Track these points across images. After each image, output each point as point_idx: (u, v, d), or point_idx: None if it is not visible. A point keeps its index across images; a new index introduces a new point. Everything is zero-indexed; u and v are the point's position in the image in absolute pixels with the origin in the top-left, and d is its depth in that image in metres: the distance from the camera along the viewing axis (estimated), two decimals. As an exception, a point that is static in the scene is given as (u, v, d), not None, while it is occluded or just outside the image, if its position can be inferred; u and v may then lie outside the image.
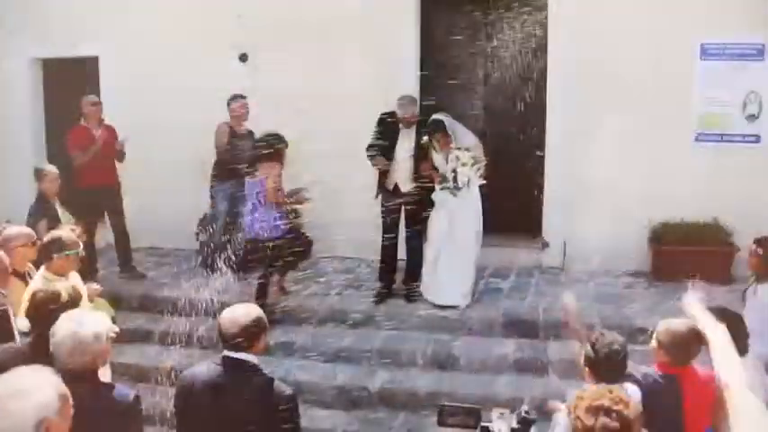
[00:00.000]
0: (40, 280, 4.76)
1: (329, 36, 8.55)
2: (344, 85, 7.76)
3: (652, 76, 7.96)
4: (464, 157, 6.94)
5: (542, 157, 8.38)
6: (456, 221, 7.08)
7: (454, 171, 6.90)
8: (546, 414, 3.86)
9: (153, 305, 7.55)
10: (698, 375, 3.79)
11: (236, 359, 3.45)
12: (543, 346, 6.54)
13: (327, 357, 6.61)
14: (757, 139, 7.99)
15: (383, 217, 7.35)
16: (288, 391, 3.47)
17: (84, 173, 7.85)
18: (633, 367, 3.81)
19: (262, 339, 3.53)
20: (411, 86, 8.22)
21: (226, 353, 3.48)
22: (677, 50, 7.96)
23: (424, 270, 7.29)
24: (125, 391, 3.33)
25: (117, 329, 3.58)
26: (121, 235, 8.09)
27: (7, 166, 9.66)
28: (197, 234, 8.63)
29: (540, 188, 8.42)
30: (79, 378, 3.08)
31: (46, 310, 3.69)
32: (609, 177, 8.08)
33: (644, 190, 8.00)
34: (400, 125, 7.17)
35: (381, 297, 7.29)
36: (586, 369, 3.67)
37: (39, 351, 3.40)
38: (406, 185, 7.26)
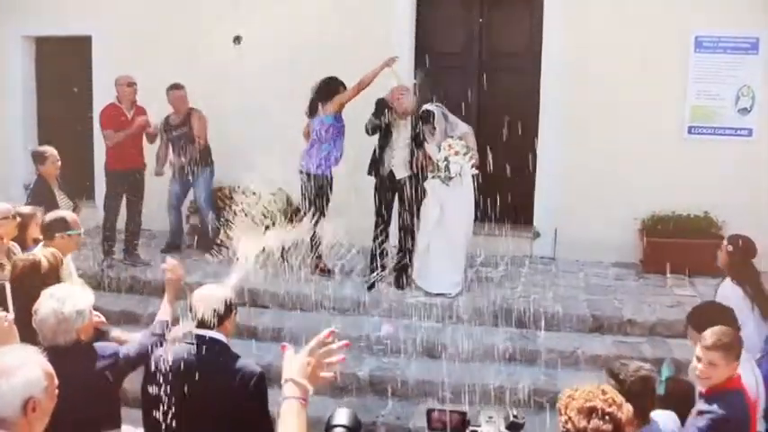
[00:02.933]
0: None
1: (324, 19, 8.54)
2: (338, 73, 7.69)
3: (646, 68, 7.95)
4: (456, 146, 6.91)
5: (535, 148, 8.37)
6: (448, 210, 7.06)
7: (446, 160, 6.87)
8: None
9: (140, 287, 7.51)
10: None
11: (206, 337, 3.48)
12: (533, 336, 6.54)
13: (316, 343, 6.58)
14: (749, 132, 8.01)
15: (376, 203, 7.33)
16: (256, 369, 3.50)
17: (113, 155, 7.77)
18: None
19: (231, 319, 3.58)
20: (405, 76, 8.17)
21: (195, 331, 3.51)
22: (672, 43, 7.96)
23: (416, 257, 7.28)
24: (105, 350, 3.39)
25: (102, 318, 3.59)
26: (134, 222, 8.00)
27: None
28: (187, 217, 8.62)
29: (533, 178, 8.42)
30: (64, 354, 3.11)
31: (29, 280, 3.66)
32: (601, 168, 8.10)
33: (635, 181, 8.02)
34: (395, 116, 7.13)
35: (372, 284, 7.27)
36: None
37: (23, 324, 3.38)
38: (401, 172, 7.24)
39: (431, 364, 6.29)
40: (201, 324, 3.49)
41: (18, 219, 5.20)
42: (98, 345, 3.46)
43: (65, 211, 5.07)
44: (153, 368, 3.49)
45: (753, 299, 5.22)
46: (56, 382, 2.32)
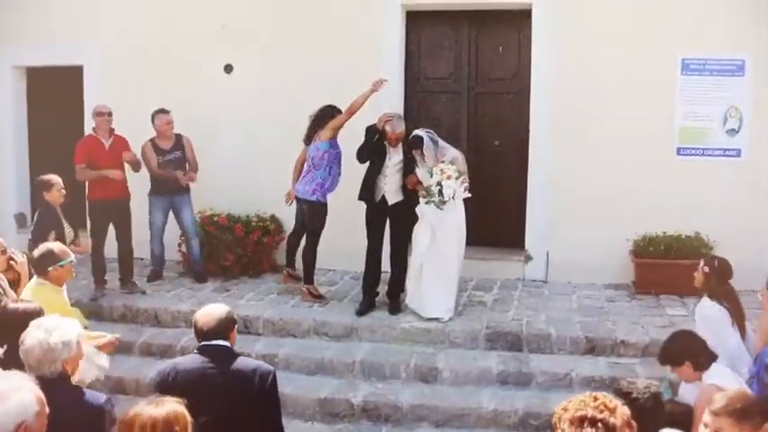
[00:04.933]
0: (31, 290, 4.73)
1: (314, 46, 8.61)
2: (328, 100, 7.73)
3: (634, 90, 8.03)
4: (449, 171, 6.93)
5: (526, 170, 8.41)
6: (439, 234, 7.06)
7: (439, 184, 6.87)
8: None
9: (133, 316, 7.48)
10: None
11: (215, 345, 3.71)
12: (526, 359, 6.52)
13: (310, 370, 6.56)
14: (738, 153, 8.06)
15: (369, 229, 7.33)
16: (269, 367, 3.75)
17: (97, 185, 7.75)
18: None
19: (234, 332, 3.82)
20: (395, 102, 8.25)
21: (204, 342, 3.73)
22: (659, 65, 8.04)
23: (409, 282, 7.27)
24: (96, 396, 3.35)
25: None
26: (126, 250, 7.95)
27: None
28: (179, 245, 8.59)
29: (524, 201, 8.45)
30: (51, 385, 3.07)
31: None
32: (591, 190, 8.14)
33: (626, 203, 8.06)
34: (386, 142, 7.16)
35: (364, 309, 7.26)
36: None
37: None
38: (393, 198, 7.25)
39: (424, 388, 6.26)
40: (208, 338, 3.71)
41: (6, 254, 5.18)
42: (89, 391, 3.43)
43: (51, 243, 5.06)
44: (165, 381, 3.63)
45: (732, 314, 5.24)
46: (46, 410, 2.31)
